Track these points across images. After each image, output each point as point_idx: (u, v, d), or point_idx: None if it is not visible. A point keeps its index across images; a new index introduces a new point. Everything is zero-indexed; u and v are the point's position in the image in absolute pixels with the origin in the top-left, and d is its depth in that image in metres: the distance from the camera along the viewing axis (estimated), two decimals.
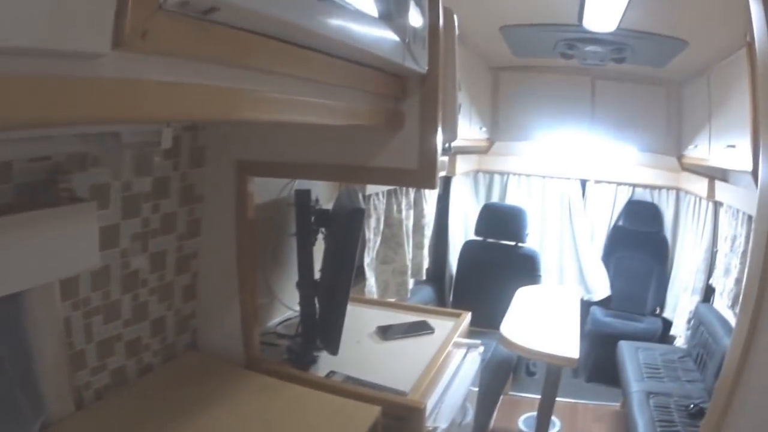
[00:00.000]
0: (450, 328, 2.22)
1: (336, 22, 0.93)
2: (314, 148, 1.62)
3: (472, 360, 2.13)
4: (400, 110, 1.50)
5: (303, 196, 1.86)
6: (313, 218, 1.87)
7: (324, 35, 0.90)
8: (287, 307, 2.15)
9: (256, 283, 1.84)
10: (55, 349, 1.32)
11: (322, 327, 1.85)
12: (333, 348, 1.78)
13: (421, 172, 1.50)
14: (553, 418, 3.37)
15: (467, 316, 2.37)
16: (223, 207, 1.76)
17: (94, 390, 1.46)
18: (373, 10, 1.15)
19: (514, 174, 5.01)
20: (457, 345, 2.15)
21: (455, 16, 1.60)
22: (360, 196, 1.87)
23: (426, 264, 3.81)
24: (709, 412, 1.74)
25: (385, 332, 2.13)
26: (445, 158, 1.67)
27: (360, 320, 2.21)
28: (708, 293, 3.95)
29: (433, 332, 2.17)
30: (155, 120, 1.12)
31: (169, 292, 1.72)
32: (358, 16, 1.04)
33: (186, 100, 0.71)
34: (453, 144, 1.73)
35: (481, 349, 2.22)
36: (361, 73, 1.20)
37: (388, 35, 1.17)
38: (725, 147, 3.01)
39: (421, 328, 2.19)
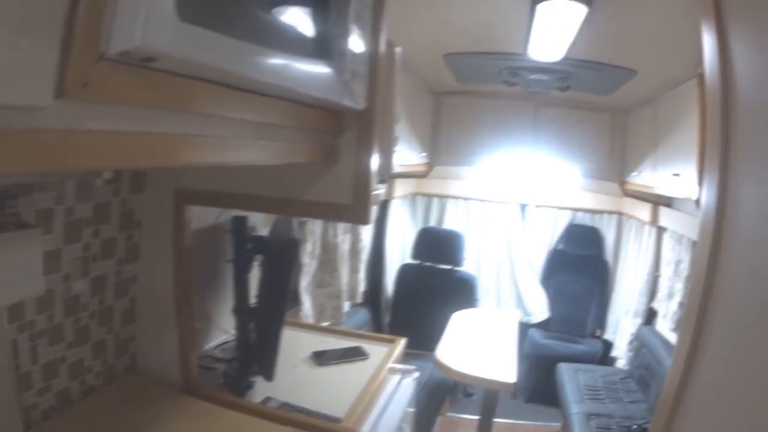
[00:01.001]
0: (385, 353, 2.35)
1: (274, 65, 0.98)
2: (251, 180, 1.69)
3: (408, 385, 2.26)
4: (336, 145, 1.56)
5: (239, 222, 1.97)
6: (249, 245, 1.98)
7: (263, 81, 0.96)
8: (223, 330, 2.24)
9: (192, 308, 1.93)
10: (3, 371, 1.40)
11: (258, 353, 1.94)
12: (269, 374, 1.88)
13: (355, 207, 1.56)
14: None
15: (402, 342, 2.50)
16: (161, 233, 1.86)
17: (41, 411, 1.56)
18: (311, 40, 1.17)
19: (453, 198, 5.16)
20: (392, 371, 2.27)
21: (397, 49, 1.67)
22: (295, 223, 2.00)
23: (362, 287, 3.97)
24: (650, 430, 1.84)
25: (320, 357, 2.25)
26: (381, 191, 1.74)
27: (295, 345, 2.33)
28: (650, 316, 4.16)
29: (367, 358, 2.30)
30: (98, 169, 1.23)
31: (109, 316, 1.83)
32: (297, 57, 1.08)
33: (127, 148, 0.75)
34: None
35: (416, 374, 2.34)
36: (300, 111, 1.26)
37: (327, 73, 1.21)
38: (671, 175, 3.20)
39: (355, 354, 2.32)
